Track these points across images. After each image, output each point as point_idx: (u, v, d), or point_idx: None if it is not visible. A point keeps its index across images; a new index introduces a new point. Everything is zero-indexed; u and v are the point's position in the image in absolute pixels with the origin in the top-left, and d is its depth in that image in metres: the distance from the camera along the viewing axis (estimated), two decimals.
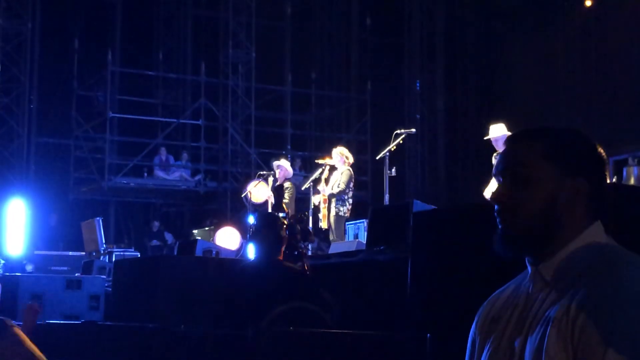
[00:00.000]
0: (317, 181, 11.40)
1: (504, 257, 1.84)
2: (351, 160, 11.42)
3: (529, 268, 1.85)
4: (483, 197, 9.38)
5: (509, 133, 9.79)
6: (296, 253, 6.09)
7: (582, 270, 1.73)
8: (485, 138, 10.16)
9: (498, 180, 1.87)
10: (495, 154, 10.07)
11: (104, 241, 13.18)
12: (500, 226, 1.83)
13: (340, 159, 11.26)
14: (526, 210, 1.79)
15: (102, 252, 12.84)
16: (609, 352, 1.59)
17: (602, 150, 1.85)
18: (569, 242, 1.79)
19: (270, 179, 12.25)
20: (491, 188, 9.93)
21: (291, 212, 10.79)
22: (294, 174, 12.95)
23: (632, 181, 8.77)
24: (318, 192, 11.33)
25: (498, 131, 9.93)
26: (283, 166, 12.09)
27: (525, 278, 1.88)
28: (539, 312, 1.76)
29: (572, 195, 1.79)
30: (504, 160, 1.86)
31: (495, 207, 1.84)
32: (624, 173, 9.06)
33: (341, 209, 11.06)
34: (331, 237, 10.97)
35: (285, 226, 5.81)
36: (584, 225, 1.81)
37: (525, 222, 1.79)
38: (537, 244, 1.80)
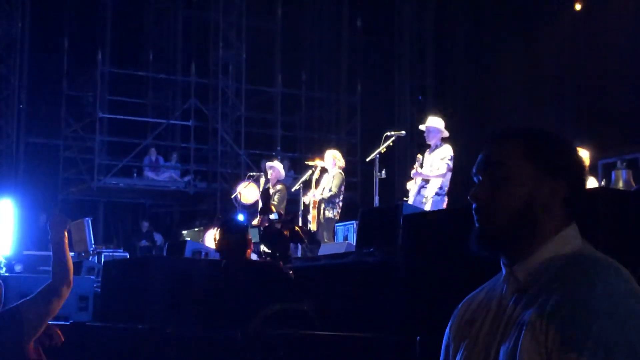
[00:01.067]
0: (307, 183, 11.41)
1: (480, 257, 1.83)
2: (342, 163, 11.43)
3: (503, 269, 1.84)
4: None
5: (445, 130, 9.90)
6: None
7: (556, 275, 1.73)
8: (420, 127, 10.19)
9: (477, 179, 1.86)
10: (427, 150, 10.10)
11: (93, 242, 13.14)
12: (477, 225, 1.82)
13: (332, 161, 11.26)
14: (503, 209, 1.78)
15: (91, 252, 12.80)
16: (582, 359, 1.59)
17: (582, 154, 1.86)
18: (544, 244, 1.78)
19: (262, 180, 12.26)
20: (412, 182, 10.00)
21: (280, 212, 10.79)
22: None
23: (620, 184, 8.80)
24: (308, 193, 11.33)
25: (435, 123, 9.98)
26: (276, 167, 12.09)
27: (499, 279, 1.88)
28: (513, 315, 1.76)
29: (550, 196, 1.79)
30: (483, 159, 1.85)
31: (473, 205, 1.84)
32: (613, 176, 9.08)
33: (331, 211, 11.07)
34: (321, 240, 10.97)
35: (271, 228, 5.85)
36: (560, 227, 1.80)
37: (502, 221, 1.78)
38: (512, 244, 1.79)
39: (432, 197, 9.74)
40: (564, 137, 1.86)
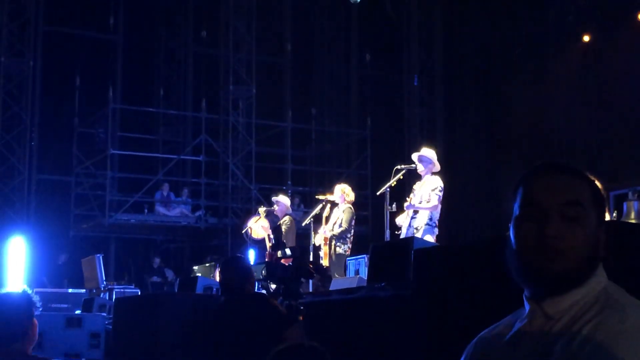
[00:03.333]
0: (317, 217, 11.40)
1: (518, 292, 1.82)
2: (352, 197, 11.40)
3: (527, 304, 1.83)
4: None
5: (437, 163, 9.90)
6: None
7: (586, 309, 1.73)
8: (412, 156, 10.19)
9: (538, 214, 1.78)
10: (418, 182, 10.10)
11: (104, 278, 13.16)
12: (537, 263, 1.76)
13: (341, 196, 11.24)
14: (577, 250, 1.75)
15: (102, 289, 12.81)
16: None
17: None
18: (583, 283, 1.78)
19: (261, 210, 12.33)
20: (402, 217, 9.98)
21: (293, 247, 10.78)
22: (294, 210, 12.97)
23: (632, 216, 8.77)
24: (319, 230, 11.34)
25: (428, 153, 10.00)
26: (282, 202, 12.15)
27: (521, 314, 1.86)
28: (538, 347, 1.74)
29: (602, 241, 1.80)
30: (557, 194, 1.79)
31: (530, 241, 1.77)
32: (624, 207, 9.06)
33: (342, 247, 11.04)
34: (332, 275, 10.93)
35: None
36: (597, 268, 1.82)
37: (575, 262, 1.75)
38: (572, 285, 1.77)
39: (422, 228, 9.73)
40: None
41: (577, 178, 1.82)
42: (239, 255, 6.31)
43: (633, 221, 8.58)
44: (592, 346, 1.64)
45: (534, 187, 1.81)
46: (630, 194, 9.43)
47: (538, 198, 1.78)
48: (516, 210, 1.82)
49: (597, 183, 1.84)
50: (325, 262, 11.00)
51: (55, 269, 16.00)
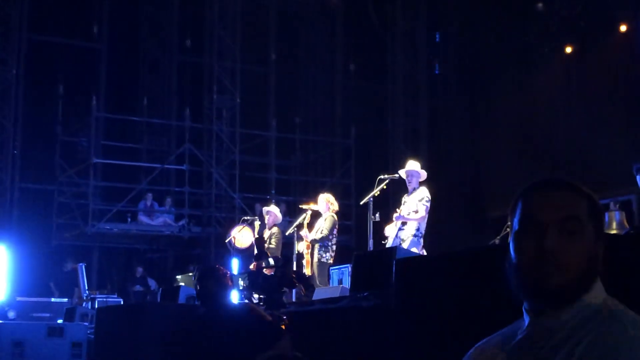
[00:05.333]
0: (300, 226, 11.42)
1: (515, 301, 1.84)
2: (336, 207, 11.45)
3: (527, 316, 1.85)
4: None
5: (423, 173, 9.98)
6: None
7: (586, 322, 1.75)
8: (400, 172, 10.23)
9: (537, 229, 1.80)
10: (406, 194, 10.15)
11: (86, 287, 13.10)
12: (537, 277, 1.78)
13: (326, 205, 11.29)
14: (576, 263, 1.78)
15: (84, 298, 12.75)
16: None
17: None
18: (582, 296, 1.80)
19: (257, 224, 12.29)
20: (391, 227, 10.02)
21: (276, 256, 10.79)
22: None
23: (614, 226, 8.81)
24: (302, 238, 11.35)
25: (415, 166, 10.07)
26: (273, 212, 12.19)
27: (518, 327, 1.88)
28: (538, 358, 1.77)
29: (600, 255, 1.83)
30: (555, 209, 1.81)
31: (530, 255, 1.79)
32: (606, 218, 9.09)
33: (324, 255, 11.06)
34: (315, 284, 10.93)
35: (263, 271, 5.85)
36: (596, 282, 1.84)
37: (574, 274, 1.77)
38: (571, 298, 1.79)
39: (409, 239, 9.77)
40: None
41: (574, 193, 1.84)
42: (216, 265, 6.28)
43: (614, 231, 8.62)
44: (592, 358, 1.66)
45: (533, 203, 1.84)
46: (612, 204, 9.47)
47: (536, 213, 1.81)
48: (515, 225, 1.85)
49: (595, 197, 1.86)
50: (307, 270, 11.01)
51: (63, 275, 15.85)
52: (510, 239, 1.86)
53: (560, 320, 1.79)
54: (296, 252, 11.53)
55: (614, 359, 1.64)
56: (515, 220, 1.85)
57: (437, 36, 20.08)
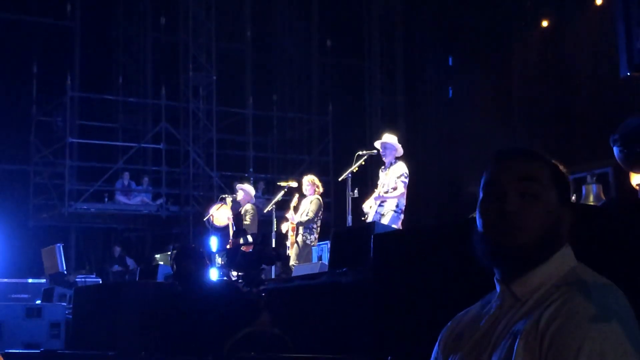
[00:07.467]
0: (279, 205, 11.42)
1: (487, 272, 1.87)
2: (321, 189, 11.45)
3: (498, 286, 1.88)
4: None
5: (400, 148, 9.97)
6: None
7: (553, 290, 1.77)
8: (375, 143, 10.21)
9: (498, 193, 1.85)
10: (382, 168, 10.15)
11: (65, 268, 13.02)
12: (499, 239, 1.82)
13: (311, 187, 11.29)
14: (535, 226, 1.81)
15: (64, 279, 12.67)
16: None
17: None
18: (545, 262, 1.82)
19: (229, 200, 12.29)
20: (368, 203, 10.04)
21: (254, 233, 10.82)
22: (256, 197, 12.97)
23: (591, 199, 8.84)
24: (286, 219, 11.37)
25: (391, 139, 10.04)
26: (245, 189, 12.21)
27: (492, 297, 1.92)
28: (507, 327, 1.79)
29: (567, 221, 1.87)
30: (513, 173, 1.86)
31: (492, 218, 1.84)
32: (583, 191, 9.12)
33: (309, 237, 11.10)
34: (296, 262, 10.93)
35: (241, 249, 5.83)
36: (560, 247, 1.86)
37: (533, 237, 1.81)
38: (533, 260, 1.82)
39: (390, 214, 9.77)
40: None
41: (534, 158, 1.89)
42: (192, 244, 6.27)
43: (592, 204, 8.65)
44: (555, 326, 1.68)
45: (494, 170, 1.89)
46: (588, 177, 9.49)
47: (497, 178, 1.87)
48: (480, 193, 1.91)
49: (557, 164, 1.91)
50: (291, 251, 11.03)
51: (9, 258, 15.75)
52: (477, 209, 1.90)
53: (527, 289, 1.81)
54: (275, 229, 11.53)
55: (574, 330, 1.65)
56: (480, 189, 1.91)
57: (414, 13, 19.98)
